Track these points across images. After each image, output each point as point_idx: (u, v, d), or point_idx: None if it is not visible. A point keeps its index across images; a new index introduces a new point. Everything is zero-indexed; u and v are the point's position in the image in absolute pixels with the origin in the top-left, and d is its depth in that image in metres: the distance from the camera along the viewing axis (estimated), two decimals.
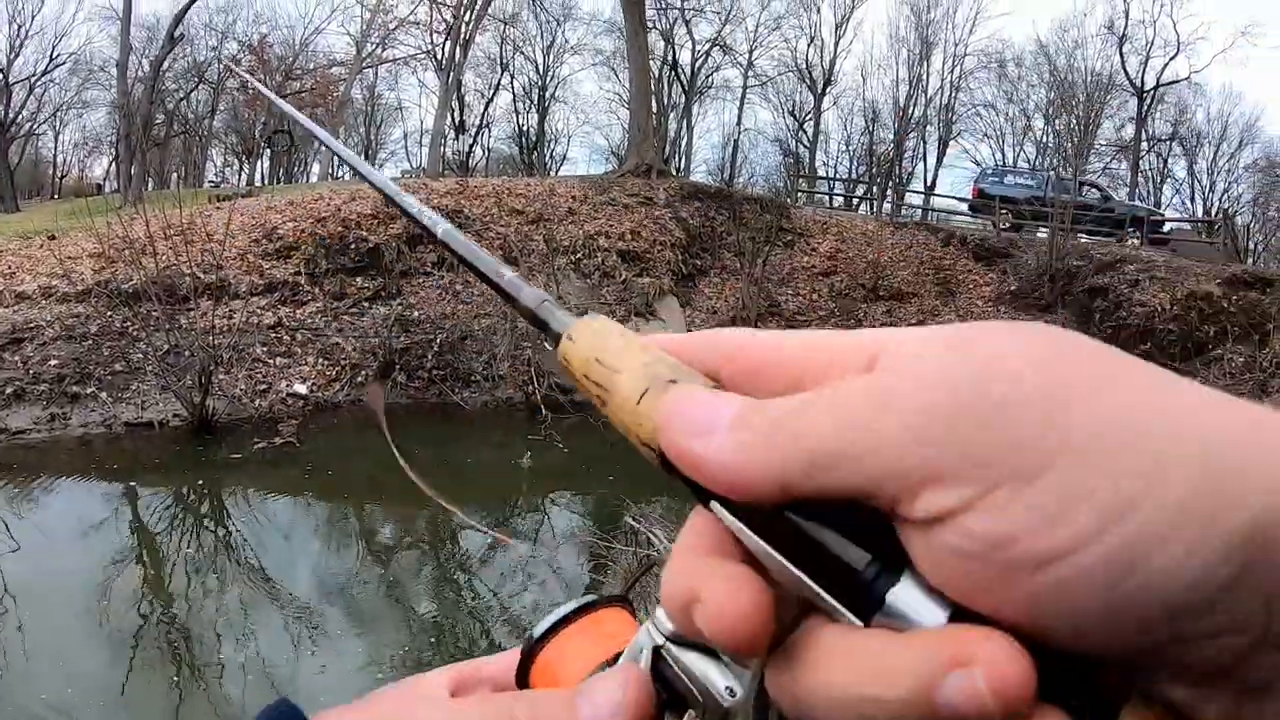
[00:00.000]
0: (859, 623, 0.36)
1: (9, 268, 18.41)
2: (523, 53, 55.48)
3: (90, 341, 16.42)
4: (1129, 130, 49.44)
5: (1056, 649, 0.33)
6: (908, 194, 42.25)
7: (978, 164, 49.81)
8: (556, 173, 47.88)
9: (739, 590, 0.38)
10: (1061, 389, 0.34)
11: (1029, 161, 50.99)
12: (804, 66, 54.15)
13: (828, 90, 54.34)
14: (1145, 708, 0.34)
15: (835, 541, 0.37)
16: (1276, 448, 0.32)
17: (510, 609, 9.90)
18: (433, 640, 9.07)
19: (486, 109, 55.99)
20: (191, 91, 54.19)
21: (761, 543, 0.39)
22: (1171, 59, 46.26)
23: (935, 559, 0.35)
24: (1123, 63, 47.11)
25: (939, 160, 54.35)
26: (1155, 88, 47.06)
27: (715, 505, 0.40)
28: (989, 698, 0.32)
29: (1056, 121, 50.90)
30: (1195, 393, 0.35)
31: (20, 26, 49.60)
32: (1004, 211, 27.40)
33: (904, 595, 0.36)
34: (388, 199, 0.82)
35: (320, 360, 17.46)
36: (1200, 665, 0.32)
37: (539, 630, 0.64)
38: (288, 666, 8.23)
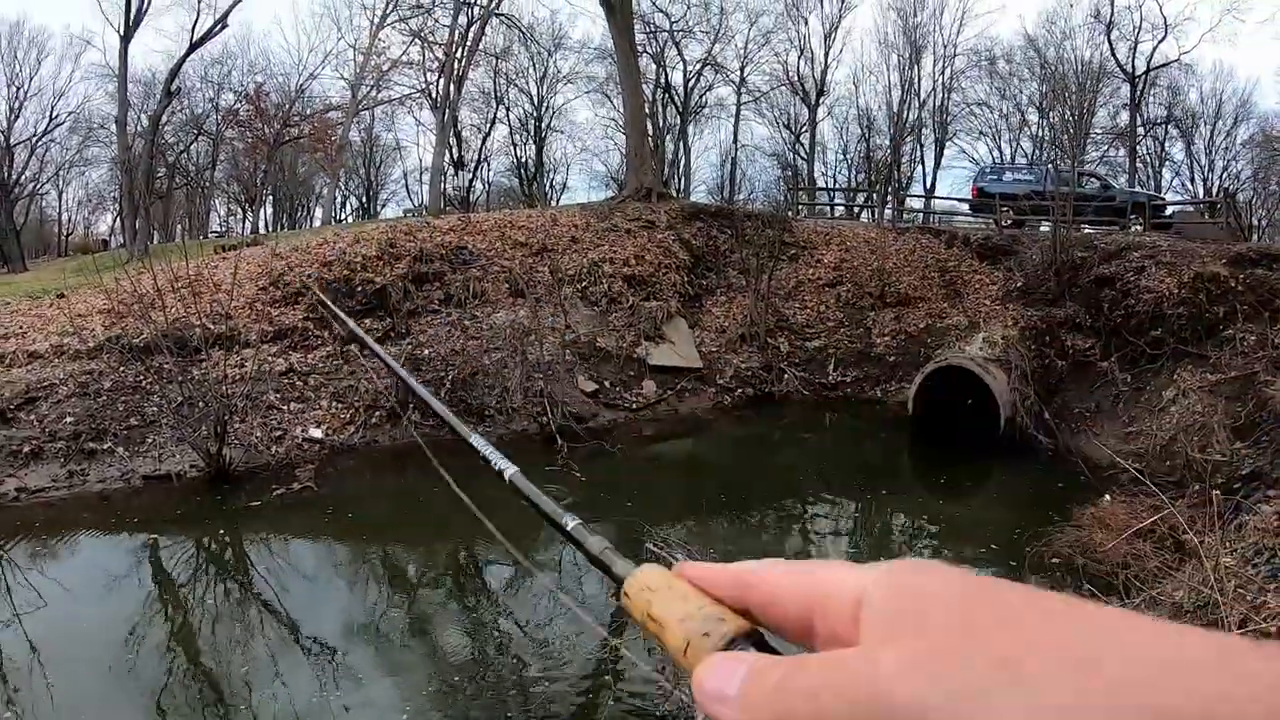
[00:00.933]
0: None
1: (20, 327, 18.51)
2: (516, 85, 55.84)
3: (104, 397, 16.47)
4: (1124, 117, 49.35)
5: None
6: (908, 198, 42.35)
7: (975, 163, 49.80)
8: (557, 202, 48.08)
9: None
10: (954, 691, 0.41)
11: (1026, 156, 50.91)
12: (796, 79, 54.32)
13: (821, 101, 54.54)
14: None
15: None
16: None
17: (537, 640, 9.86)
18: (462, 676, 9.01)
19: (484, 143, 56.33)
20: (191, 143, 54.65)
21: None
22: (1160, 42, 46.18)
23: None
24: (1112, 50, 47.09)
25: (937, 162, 54.42)
26: (1146, 72, 46.89)
27: None
28: None
29: (1051, 114, 51.07)
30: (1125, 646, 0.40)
31: (19, 88, 50.25)
32: (1005, 209, 27.35)
33: None
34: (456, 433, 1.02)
35: (334, 403, 17.48)
36: None
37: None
38: (317, 712, 8.18)
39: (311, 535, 13.56)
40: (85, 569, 12.44)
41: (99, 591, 11.46)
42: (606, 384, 19.85)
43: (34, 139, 51.75)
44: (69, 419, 15.91)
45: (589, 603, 10.79)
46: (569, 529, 0.75)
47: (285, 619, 10.56)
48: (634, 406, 19.68)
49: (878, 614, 0.47)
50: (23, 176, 52.94)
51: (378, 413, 17.39)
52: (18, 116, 50.53)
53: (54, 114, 51.92)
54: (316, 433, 16.73)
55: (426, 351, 18.93)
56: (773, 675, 0.48)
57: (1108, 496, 12.30)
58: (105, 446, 15.63)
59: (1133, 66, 46.60)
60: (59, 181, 59.71)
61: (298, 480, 15.08)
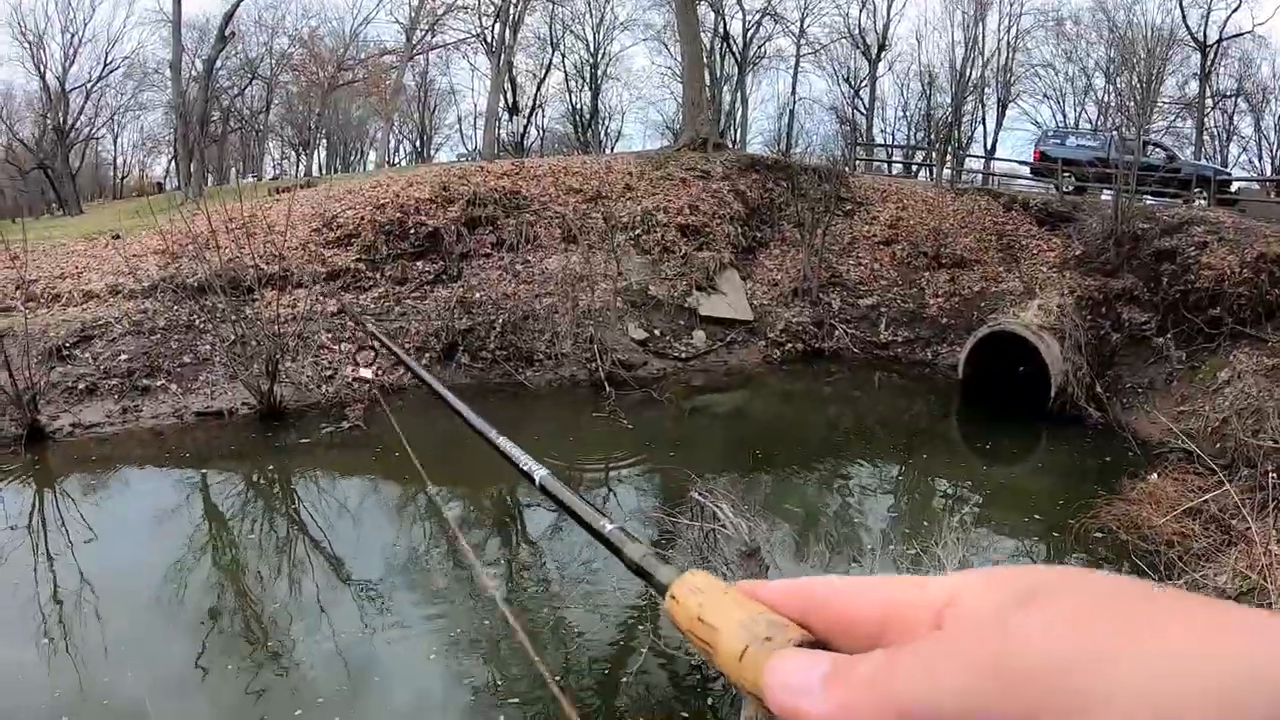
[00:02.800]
0: None
1: (76, 268, 18.79)
2: (572, 31, 55.33)
3: (158, 335, 16.70)
4: (1192, 87, 47.89)
5: None
6: (967, 159, 41.57)
7: (1038, 126, 48.78)
8: (612, 150, 47.70)
9: None
10: (1101, 652, 0.40)
11: (1090, 122, 49.78)
12: (857, 32, 53.35)
13: (882, 56, 53.48)
14: None
15: None
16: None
17: (576, 585, 9.89)
18: (499, 619, 9.07)
19: (539, 89, 55.96)
20: (245, 87, 54.84)
21: None
22: (1234, 11, 44.54)
23: None
24: (1184, 16, 45.59)
25: (998, 123, 53.34)
26: (1218, 41, 45.36)
27: None
28: None
29: (1118, 80, 49.80)
30: (1213, 633, 0.40)
31: (74, 35, 50.58)
32: (1067, 174, 26.83)
33: None
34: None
35: None
36: None
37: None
38: (359, 647, 8.29)
39: (358, 473, 13.69)
40: (136, 503, 12.66)
41: (149, 525, 11.66)
42: (656, 333, 19.81)
43: (89, 84, 52.13)
44: (123, 356, 16.15)
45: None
46: (606, 533, 0.69)
47: (330, 555, 10.70)
48: (683, 356, 19.62)
49: (982, 602, 0.45)
50: (78, 121, 53.40)
51: (428, 354, 17.49)
52: (73, 63, 50.92)
53: (109, 59, 52.27)
54: (366, 372, 16.84)
55: (478, 295, 18.96)
56: (863, 665, 0.46)
57: (1155, 475, 12.12)
58: (158, 383, 15.87)
59: (1204, 35, 45.12)
60: (114, 126, 60.20)
61: (347, 419, 15.24)
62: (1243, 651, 0.38)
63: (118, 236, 20.34)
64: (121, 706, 7.29)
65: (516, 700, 7.62)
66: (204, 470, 13.55)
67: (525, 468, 0.88)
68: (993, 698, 0.41)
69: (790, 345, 20.72)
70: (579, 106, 57.50)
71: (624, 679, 8.00)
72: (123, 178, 66.53)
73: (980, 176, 32.43)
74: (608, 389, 16.84)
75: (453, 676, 8.10)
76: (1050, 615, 0.42)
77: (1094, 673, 0.39)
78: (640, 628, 8.78)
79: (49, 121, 51.13)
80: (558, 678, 7.45)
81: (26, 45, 49.72)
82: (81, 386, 15.49)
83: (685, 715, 7.50)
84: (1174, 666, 0.39)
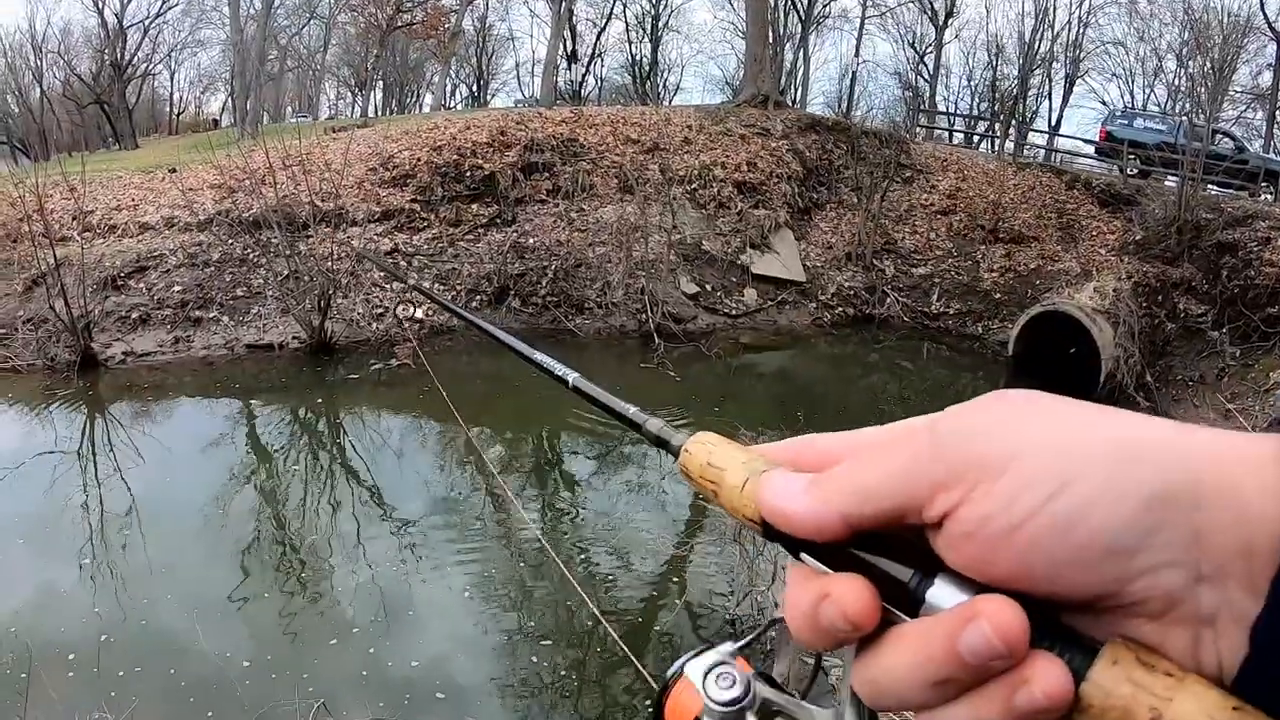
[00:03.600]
0: (909, 619, 0.50)
1: (133, 200, 18.98)
2: None
3: (212, 269, 16.86)
4: (1266, 78, 46.60)
5: (1044, 600, 0.46)
6: (1031, 133, 40.88)
7: (1105, 104, 47.79)
8: (670, 103, 47.31)
9: (856, 584, 0.50)
10: (1011, 423, 0.49)
11: (1159, 105, 48.73)
12: None
13: (949, 22, 52.52)
14: (1124, 646, 0.44)
15: (888, 565, 0.51)
16: (1168, 443, 0.46)
17: (614, 534, 9.92)
18: (533, 562, 9.12)
19: (599, 38, 55.60)
20: (303, 27, 54.87)
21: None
22: None
23: (950, 548, 0.48)
24: (1261, 4, 44.42)
25: (1065, 99, 52.19)
26: None
27: (804, 555, 0.54)
28: (993, 636, 0.44)
29: (1189, 64, 48.61)
30: (1106, 415, 0.49)
31: None
32: (1132, 156, 26.31)
33: (938, 592, 0.49)
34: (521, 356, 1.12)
35: (436, 285, 17.66)
36: (1153, 601, 0.44)
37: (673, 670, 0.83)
38: (395, 581, 8.38)
39: (405, 411, 13.80)
40: (184, 430, 12.85)
41: (196, 452, 11.83)
42: (708, 287, 19.70)
43: (147, 21, 52.35)
44: (177, 288, 16.33)
45: (672, 505, 10.83)
46: (629, 415, 0.79)
47: (371, 490, 10.80)
48: (733, 313, 19.53)
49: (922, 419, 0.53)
50: (135, 58, 53.68)
51: (479, 296, 17.55)
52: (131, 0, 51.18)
53: None
54: (417, 312, 16.94)
55: (531, 240, 18.97)
56: (835, 470, 0.54)
57: None
58: (210, 315, 16.05)
59: None
60: (171, 63, 60.51)
61: (396, 357, 15.35)
62: (1138, 422, 0.48)
63: (174, 170, 20.49)
64: (160, 627, 7.43)
65: (549, 642, 7.68)
66: (252, 401, 13.72)
67: (559, 372, 0.98)
68: (923, 465, 0.49)
69: (840, 309, 20.58)
70: (638, 57, 57.10)
71: (656, 629, 8.03)
72: (178, 114, 66.91)
73: (1043, 152, 31.95)
74: (656, 340, 16.82)
75: (486, 615, 8.17)
76: (972, 407, 0.51)
77: (1007, 435, 0.48)
78: (676, 580, 8.80)
79: (107, 58, 51.45)
80: (598, 610, 7.47)
81: None
82: (135, 316, 15.70)
83: None
84: (1077, 428, 0.48)
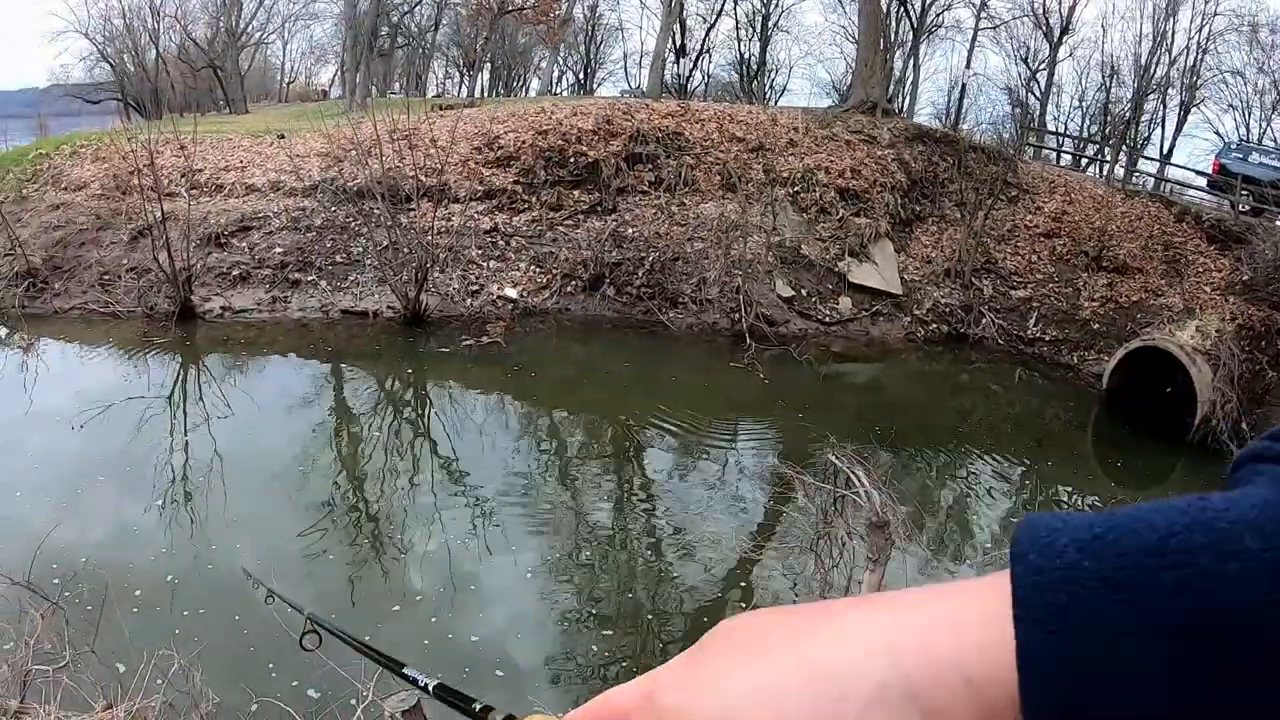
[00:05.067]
0: None
1: (241, 162, 19.40)
2: None
3: (313, 234, 17.19)
4: None
5: None
6: (1141, 160, 39.94)
7: (1219, 135, 46.45)
8: (775, 103, 46.98)
9: None
10: (721, 684, 0.51)
11: (1276, 140, 47.33)
12: (1040, 12, 51.39)
13: (1064, 40, 51.35)
14: None
15: None
16: (868, 646, 0.47)
17: (684, 532, 9.88)
18: (598, 550, 9.15)
19: (708, 34, 55.36)
20: (416, 5, 55.53)
21: None
22: None
23: None
24: None
25: (1178, 128, 50.74)
26: None
27: None
28: None
29: None
30: (809, 635, 0.50)
31: None
32: (1245, 192, 25.51)
33: None
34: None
35: (532, 267, 17.81)
36: None
37: None
38: (462, 554, 8.48)
39: (492, 389, 13.91)
40: (274, 387, 13.13)
41: (283, 409, 12.07)
42: (803, 292, 19.50)
43: None
44: (278, 249, 16.68)
45: (749, 506, 10.78)
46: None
47: (449, 463, 10.91)
48: (826, 320, 19.32)
49: (679, 663, 0.57)
50: (250, 26, 54.89)
51: (574, 282, 17.64)
52: None
53: None
54: (511, 292, 17.08)
55: (630, 231, 19.00)
56: None
57: None
58: (309, 279, 16.37)
59: None
60: (284, 33, 61.62)
61: (487, 335, 15.50)
62: (845, 629, 0.49)
63: (283, 136, 20.89)
64: (228, 575, 7.58)
65: (609, 632, 7.69)
66: (342, 365, 13.96)
67: (422, 683, 1.12)
68: None
69: (935, 326, 20.27)
70: (746, 56, 56.83)
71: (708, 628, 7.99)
72: (289, 83, 68.15)
73: (1152, 181, 31.13)
74: (748, 341, 16.72)
75: (549, 597, 8.22)
76: (680, 674, 0.55)
77: (719, 702, 0.50)
78: (742, 586, 8.75)
79: (222, 24, 52.73)
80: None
81: None
82: (235, 274, 16.08)
83: None
84: (779, 667, 0.49)
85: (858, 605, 0.51)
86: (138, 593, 7.24)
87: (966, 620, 0.46)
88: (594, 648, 7.47)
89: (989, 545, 10.87)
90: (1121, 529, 0.44)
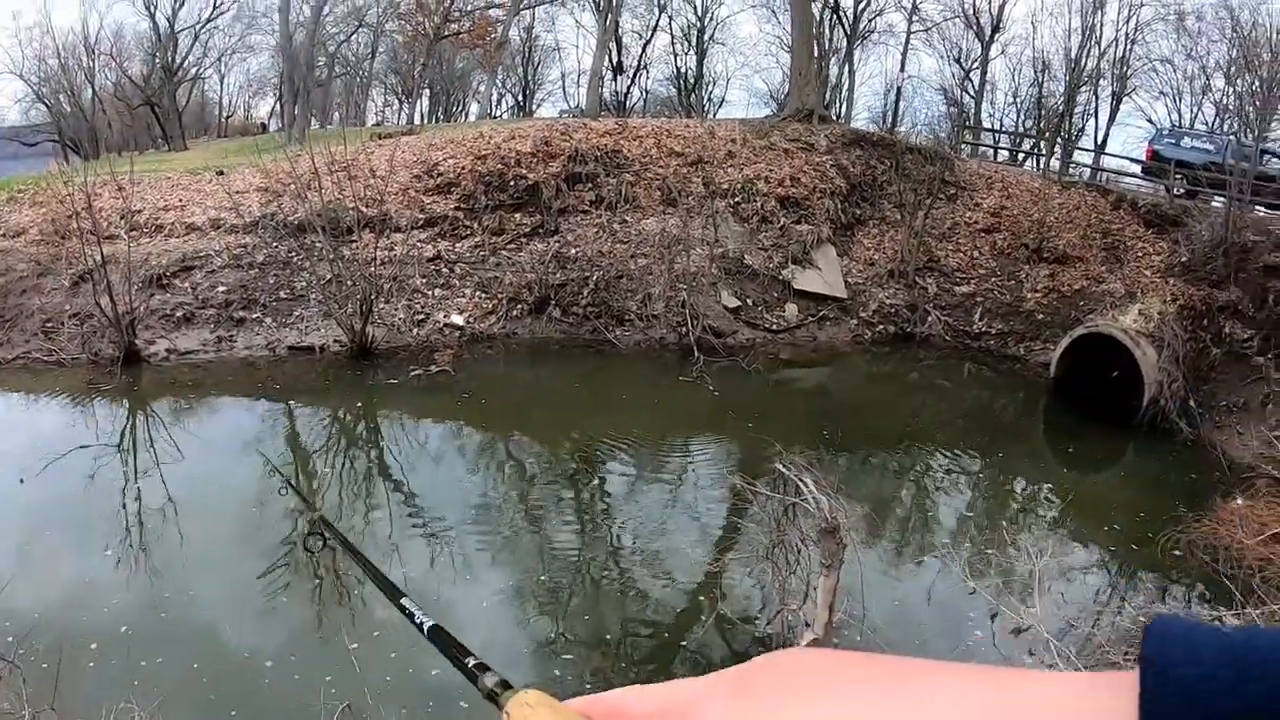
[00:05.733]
0: None
1: (180, 201, 19.24)
2: None
3: (256, 270, 17.08)
4: None
5: None
6: (1077, 151, 40.50)
7: (1152, 123, 47.20)
8: (715, 115, 47.19)
9: None
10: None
11: (1207, 124, 48.06)
12: (971, 12, 52.07)
13: (995, 38, 52.00)
14: None
15: None
16: None
17: (648, 547, 9.93)
18: (569, 573, 9.17)
19: (644, 50, 55.54)
20: (352, 34, 55.36)
21: None
22: None
23: None
24: None
25: (1111, 117, 51.46)
26: None
27: None
28: None
29: (1238, 82, 48.04)
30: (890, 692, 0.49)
31: None
32: (1179, 176, 25.95)
33: None
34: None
35: (477, 293, 17.80)
36: None
37: None
38: (428, 585, 8.43)
39: (443, 417, 13.89)
40: (225, 429, 13.01)
41: (236, 452, 11.97)
42: (749, 302, 19.68)
43: (198, 26, 53.11)
44: (221, 288, 16.55)
45: (705, 519, 10.83)
46: (471, 666, 0.91)
47: (406, 494, 10.88)
48: (773, 328, 19.49)
49: (721, 690, 0.56)
50: (186, 61, 54.55)
51: (520, 305, 17.65)
52: (182, 4, 51.86)
53: (217, 2, 53.27)
54: (458, 319, 17.06)
55: (573, 251, 19.06)
56: None
57: (1240, 499, 11.77)
58: (254, 316, 16.25)
59: None
60: (221, 67, 61.07)
61: (436, 364, 15.47)
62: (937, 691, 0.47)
63: (221, 173, 20.78)
64: (186, 622, 7.54)
65: (570, 656, 7.70)
66: (292, 402, 13.86)
67: (418, 619, 1.10)
68: None
69: (881, 327, 20.48)
70: (683, 70, 57.11)
71: (685, 644, 8.03)
72: (227, 117, 67.62)
73: (1088, 171, 31.56)
74: (696, 354, 16.81)
75: (515, 623, 8.22)
76: (726, 704, 0.54)
77: None
78: (708, 595, 8.78)
79: (157, 60, 52.34)
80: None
81: None
82: (179, 314, 15.94)
83: None
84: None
85: (946, 671, 0.48)
86: (94, 645, 7.16)
87: (1079, 715, 0.43)
88: (557, 672, 7.48)
89: (949, 541, 10.99)
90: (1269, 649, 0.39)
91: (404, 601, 1.17)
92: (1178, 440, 15.44)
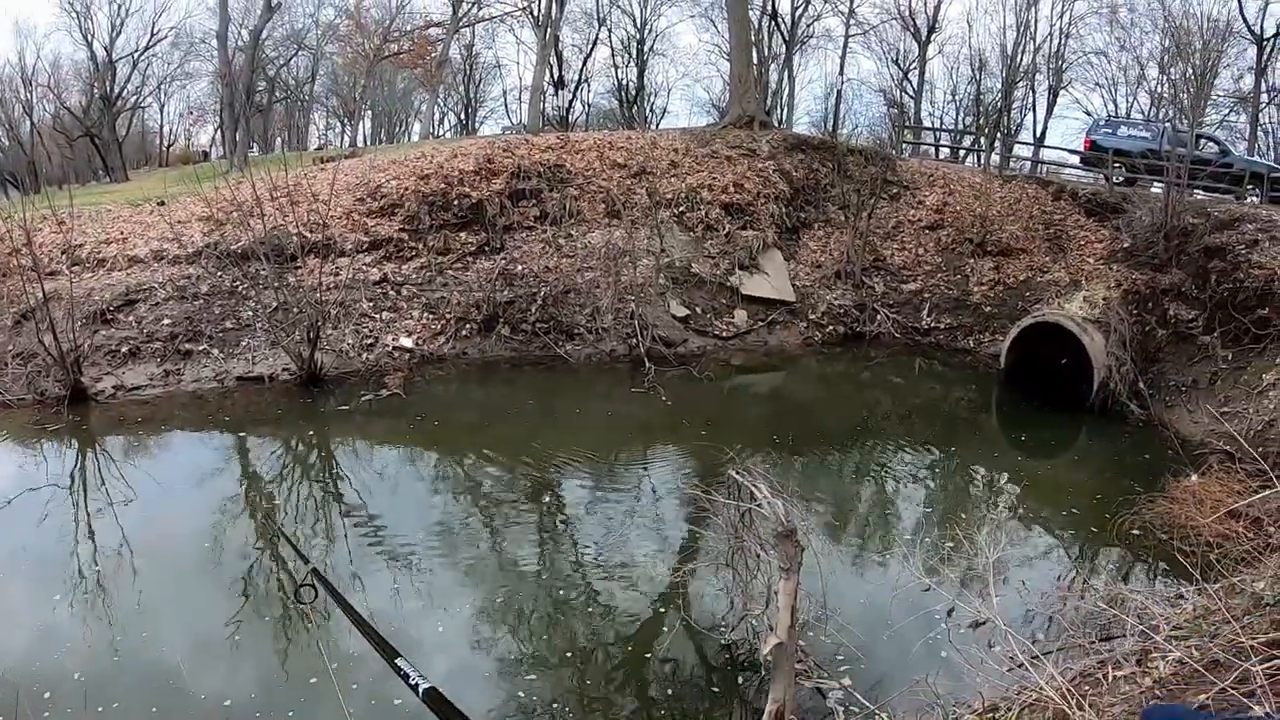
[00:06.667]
0: None
1: (121, 233, 18.99)
2: (619, 6, 54.97)
3: (201, 301, 16.87)
4: (1248, 81, 46.70)
5: None
6: (1016, 145, 41.01)
7: (1089, 114, 47.92)
8: (657, 126, 47.37)
9: None
10: None
11: (1143, 112, 48.86)
12: (907, 14, 52.67)
13: (932, 38, 52.64)
14: None
15: None
16: None
17: (610, 560, 9.92)
18: (534, 592, 9.11)
19: (585, 64, 55.78)
20: (291, 58, 55.27)
21: None
22: None
23: None
24: (1240, 8, 44.46)
25: (1049, 110, 52.28)
26: (1275, 35, 44.02)
27: None
28: None
29: (1171, 71, 48.83)
30: None
31: (120, 5, 51.39)
32: (1117, 165, 26.37)
33: None
34: None
35: (425, 314, 17.71)
36: None
37: None
38: (393, 613, 8.34)
39: (397, 441, 13.77)
40: (176, 464, 12.80)
41: (189, 487, 11.78)
42: (698, 310, 19.75)
43: (136, 54, 52.88)
44: (166, 321, 16.33)
45: (665, 530, 10.81)
46: None
47: (365, 521, 10.75)
48: (724, 335, 19.56)
49: None
50: (125, 90, 54.15)
51: (468, 325, 17.58)
52: (120, 33, 51.71)
53: (155, 29, 52.99)
54: (407, 342, 16.96)
55: (520, 268, 19.03)
56: None
57: (1196, 475, 11.92)
58: (200, 348, 16.05)
59: (1261, 28, 43.51)
60: (160, 95, 60.86)
61: (387, 387, 15.37)
62: None
63: (163, 203, 20.55)
64: (144, 665, 7.42)
65: (539, 675, 7.64)
66: (244, 434, 13.68)
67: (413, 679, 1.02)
68: None
69: (831, 328, 20.62)
70: (625, 82, 57.32)
71: (652, 655, 8.01)
72: (168, 146, 67.13)
73: (1029, 164, 31.97)
74: (647, 365, 16.85)
75: (481, 647, 8.14)
76: None
77: None
78: (672, 606, 8.77)
79: (96, 90, 51.95)
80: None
81: (74, 15, 50.47)
82: (124, 350, 15.69)
83: (715, 690, 7.50)
84: None
85: None
86: (48, 695, 7.00)
87: None
88: (521, 693, 7.41)
89: (910, 535, 11.03)
90: None
91: (399, 662, 1.13)
92: (1130, 422, 15.66)
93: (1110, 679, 6.09)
